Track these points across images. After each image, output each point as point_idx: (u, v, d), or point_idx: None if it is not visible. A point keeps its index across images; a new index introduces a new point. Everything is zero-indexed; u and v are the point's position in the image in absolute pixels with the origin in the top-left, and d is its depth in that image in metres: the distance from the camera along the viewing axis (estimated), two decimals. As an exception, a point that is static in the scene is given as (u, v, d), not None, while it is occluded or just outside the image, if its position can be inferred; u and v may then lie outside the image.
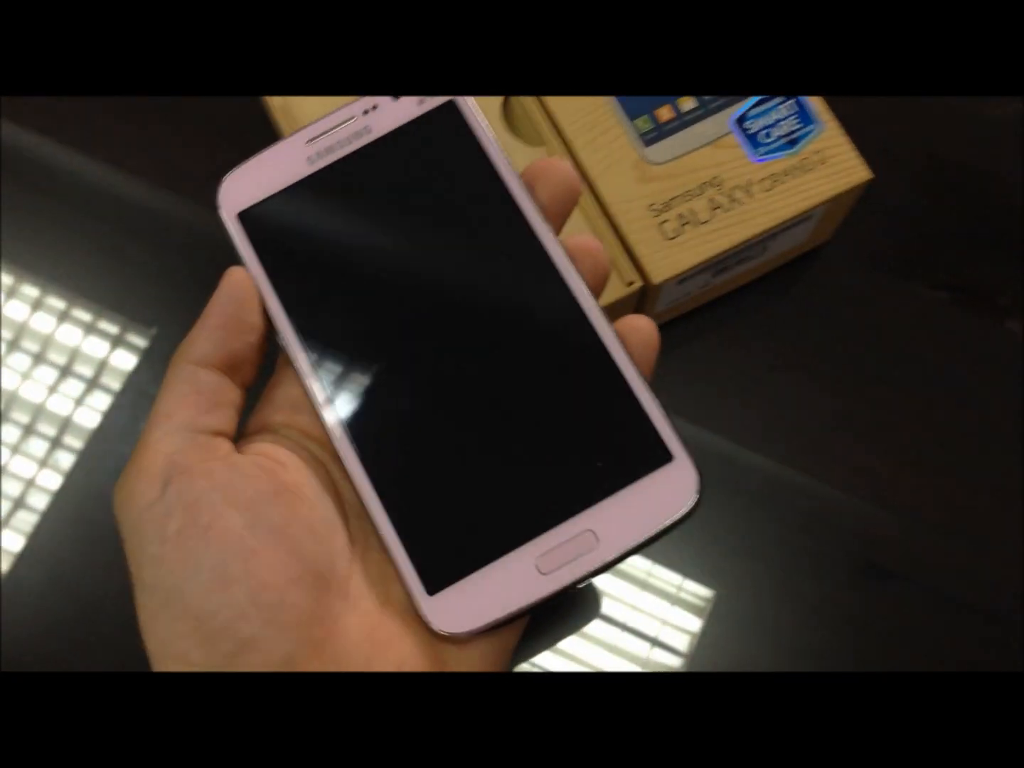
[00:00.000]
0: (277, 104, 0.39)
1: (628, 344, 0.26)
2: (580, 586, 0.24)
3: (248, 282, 0.27)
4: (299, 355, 0.26)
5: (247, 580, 0.23)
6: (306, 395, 0.26)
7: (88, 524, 0.40)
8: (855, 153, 0.38)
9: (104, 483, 0.41)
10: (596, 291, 0.27)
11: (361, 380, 0.26)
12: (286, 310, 0.27)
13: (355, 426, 0.26)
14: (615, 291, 0.37)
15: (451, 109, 0.28)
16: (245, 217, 0.28)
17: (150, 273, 0.43)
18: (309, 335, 0.27)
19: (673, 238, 0.37)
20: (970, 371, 0.43)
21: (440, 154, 0.28)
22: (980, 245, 0.45)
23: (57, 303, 0.43)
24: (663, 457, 0.25)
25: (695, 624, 0.39)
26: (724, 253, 0.38)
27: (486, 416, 0.26)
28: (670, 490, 0.24)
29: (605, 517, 0.24)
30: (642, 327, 0.27)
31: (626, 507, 0.24)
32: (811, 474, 0.41)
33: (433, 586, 0.24)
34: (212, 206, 0.44)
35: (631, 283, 0.37)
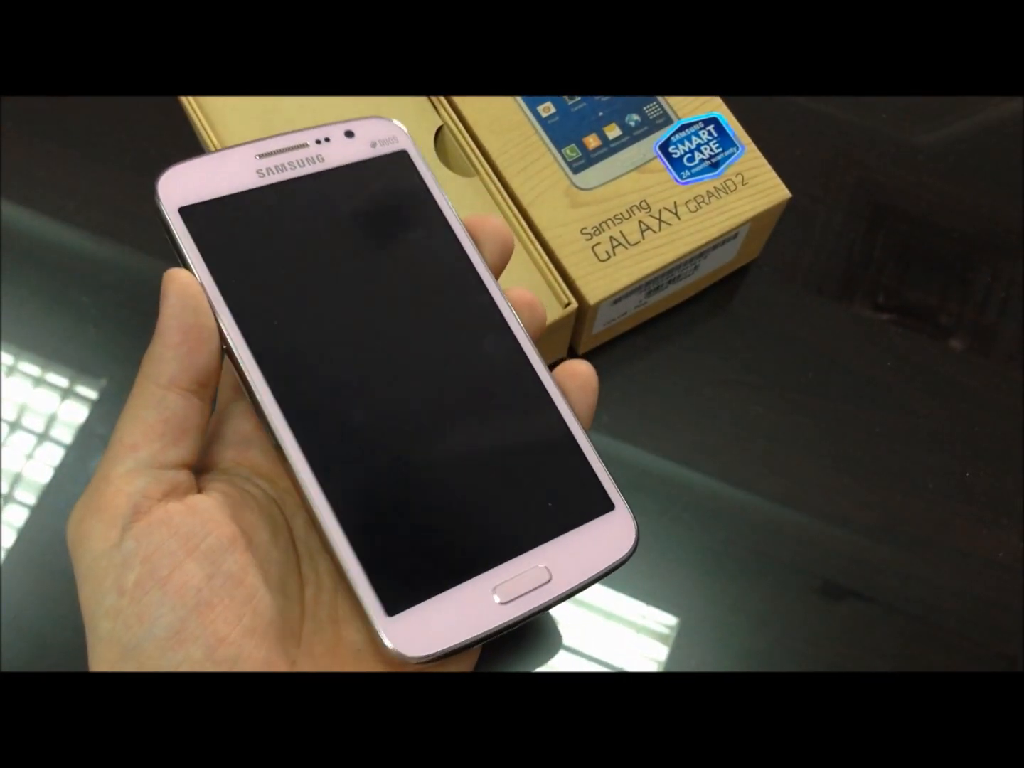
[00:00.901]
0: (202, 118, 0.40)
1: (568, 389, 0.28)
2: (531, 619, 0.25)
3: (196, 284, 0.26)
4: (250, 365, 0.25)
5: (204, 636, 0.23)
6: (257, 416, 0.25)
7: (46, 576, 0.39)
8: (774, 174, 0.40)
9: (53, 525, 0.40)
10: (535, 339, 0.29)
11: (319, 404, 0.26)
12: (235, 318, 0.26)
13: (313, 449, 0.25)
14: (552, 313, 0.38)
15: (403, 157, 0.29)
16: (187, 214, 0.26)
17: (97, 322, 0.44)
18: (259, 347, 0.26)
19: (606, 260, 0.39)
20: (915, 388, 0.44)
21: (392, 195, 0.29)
22: (917, 266, 0.46)
23: (4, 358, 0.43)
24: (605, 506, 0.27)
25: (661, 652, 0.39)
26: (656, 272, 0.39)
27: (443, 448, 0.26)
28: (612, 536, 0.27)
29: (556, 555, 0.26)
30: (581, 372, 0.28)
31: (574, 548, 0.26)
32: (752, 487, 0.42)
33: (392, 608, 0.24)
34: (155, 252, 0.45)
35: (567, 304, 0.38)
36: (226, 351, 0.26)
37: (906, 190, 0.48)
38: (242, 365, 0.25)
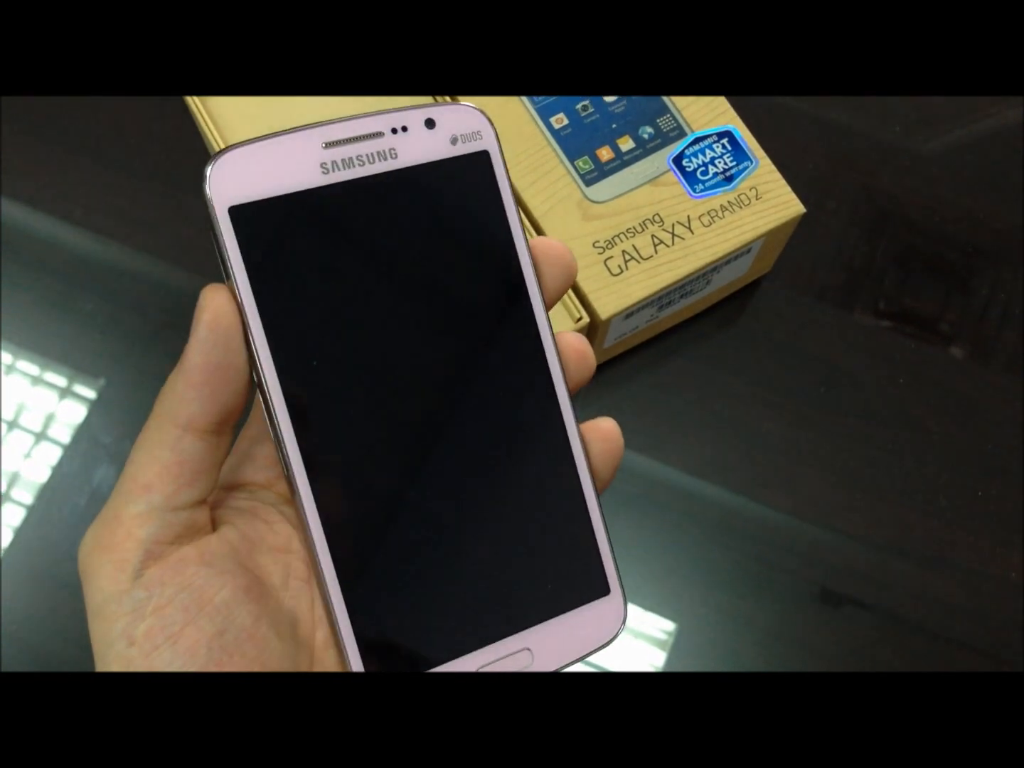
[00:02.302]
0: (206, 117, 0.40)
1: (593, 452, 0.27)
2: None
3: (232, 315, 0.23)
4: (278, 405, 0.24)
5: None
6: (277, 453, 0.24)
7: (42, 578, 0.39)
8: (788, 188, 0.40)
9: (56, 536, 0.40)
10: (574, 393, 0.27)
11: (341, 458, 0.24)
12: (271, 349, 0.24)
13: (328, 506, 0.24)
14: (564, 327, 0.38)
15: (482, 160, 0.26)
16: (237, 214, 0.23)
17: (97, 324, 0.43)
18: (292, 386, 0.24)
19: (618, 274, 0.38)
20: (917, 396, 0.44)
21: (462, 210, 0.26)
22: (917, 274, 0.46)
23: (3, 356, 0.43)
24: (601, 590, 0.26)
25: (659, 658, 0.39)
26: (669, 287, 0.39)
27: (451, 517, 0.25)
28: (601, 621, 0.26)
29: (542, 638, 0.25)
30: (609, 436, 0.27)
31: (561, 631, 0.26)
32: (763, 501, 0.42)
33: None
34: (160, 254, 0.45)
35: (579, 319, 0.38)
36: (256, 382, 0.24)
37: (915, 201, 0.47)
38: (271, 403, 0.24)
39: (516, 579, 0.25)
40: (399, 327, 0.25)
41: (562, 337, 0.27)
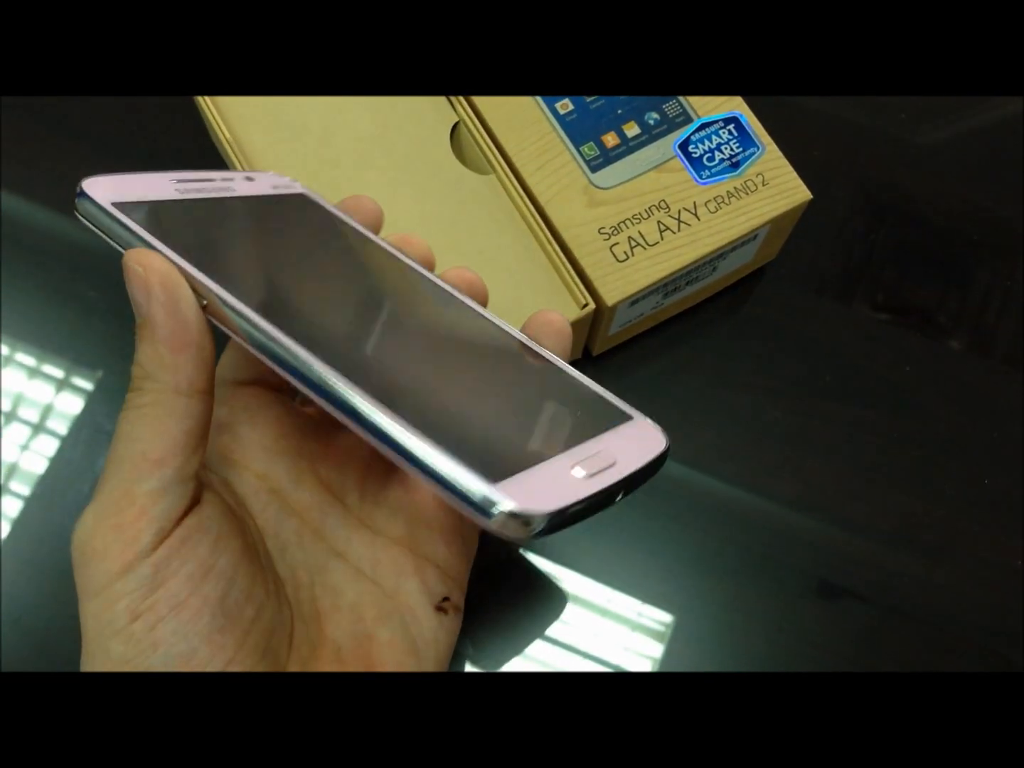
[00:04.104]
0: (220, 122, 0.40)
1: (544, 335, 0.30)
2: (613, 503, 0.24)
3: (174, 270, 0.24)
4: (260, 321, 0.24)
5: (213, 661, 0.23)
6: (274, 363, 0.23)
7: (44, 564, 0.39)
8: (795, 174, 0.40)
9: (59, 523, 0.40)
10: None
11: (338, 338, 0.26)
12: (220, 284, 0.24)
13: (365, 387, 0.23)
14: (569, 314, 0.37)
15: (303, 199, 0.32)
16: (120, 208, 0.26)
17: (94, 314, 0.43)
18: (254, 302, 0.24)
19: (624, 261, 0.38)
20: (923, 385, 0.44)
21: (300, 212, 0.31)
22: (916, 266, 0.46)
23: (4, 349, 0.42)
24: (625, 417, 0.28)
25: (656, 650, 0.39)
26: (675, 274, 0.39)
27: (469, 370, 0.28)
28: (644, 435, 0.28)
29: (613, 444, 0.26)
30: (554, 320, 0.30)
31: (621, 440, 0.27)
32: (765, 490, 0.41)
33: (494, 477, 0.22)
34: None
35: (585, 305, 0.38)
36: (219, 319, 0.24)
37: (919, 191, 0.47)
38: (244, 324, 0.24)
39: (538, 413, 0.27)
40: (314, 268, 0.29)
41: (446, 274, 0.30)
